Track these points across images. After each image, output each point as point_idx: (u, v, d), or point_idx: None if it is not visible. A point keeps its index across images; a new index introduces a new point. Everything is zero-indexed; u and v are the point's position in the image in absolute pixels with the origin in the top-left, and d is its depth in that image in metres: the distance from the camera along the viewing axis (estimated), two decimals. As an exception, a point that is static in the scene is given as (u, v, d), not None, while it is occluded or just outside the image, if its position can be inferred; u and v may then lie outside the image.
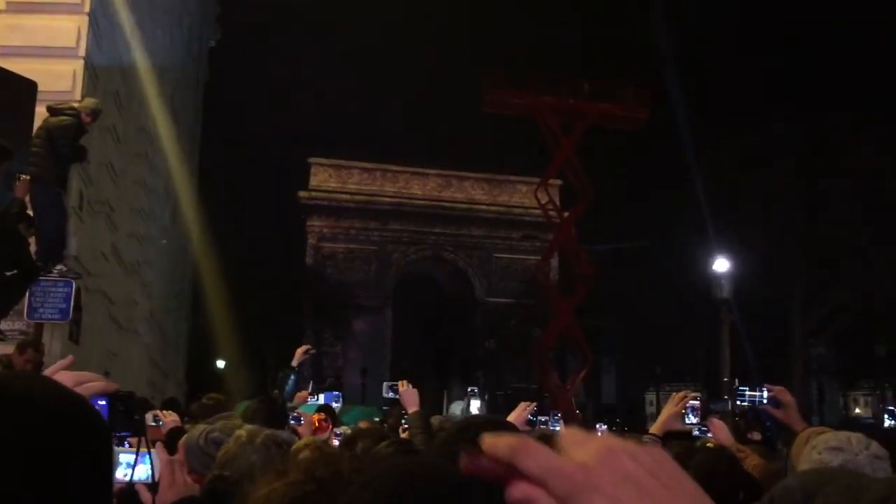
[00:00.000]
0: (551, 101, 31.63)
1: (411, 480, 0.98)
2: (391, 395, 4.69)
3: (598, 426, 15.54)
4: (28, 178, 7.20)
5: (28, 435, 0.93)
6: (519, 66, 33.99)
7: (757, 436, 9.53)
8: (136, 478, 2.17)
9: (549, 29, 55.51)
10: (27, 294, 8.78)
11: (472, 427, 2.02)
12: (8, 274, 7.89)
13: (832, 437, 2.56)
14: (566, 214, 32.53)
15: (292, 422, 4.99)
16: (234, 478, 2.68)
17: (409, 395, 4.50)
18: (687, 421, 4.25)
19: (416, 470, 1.04)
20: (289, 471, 0.99)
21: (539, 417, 9.11)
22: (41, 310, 9.08)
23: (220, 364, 43.15)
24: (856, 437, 2.54)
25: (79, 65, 11.41)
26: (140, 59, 15.58)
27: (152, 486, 2.20)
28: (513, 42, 57.45)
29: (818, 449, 2.58)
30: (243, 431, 3.01)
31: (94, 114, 8.96)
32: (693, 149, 27.65)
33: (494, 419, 2.13)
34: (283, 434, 3.46)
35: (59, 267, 9.23)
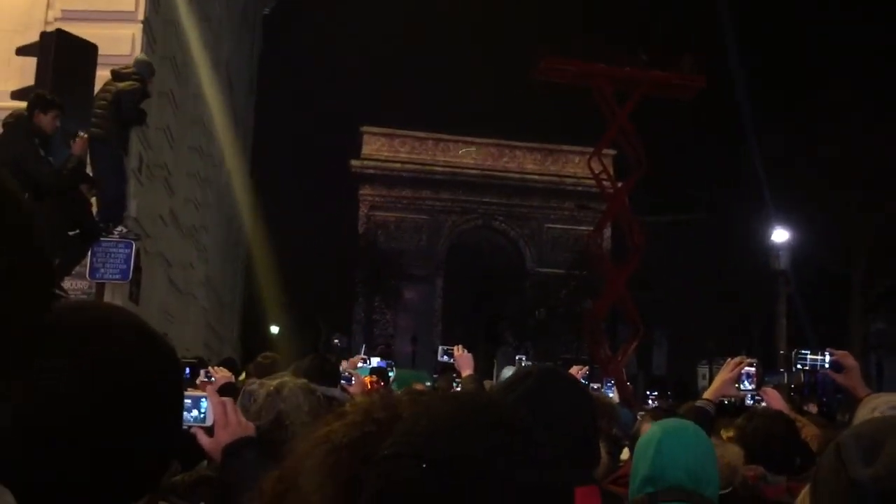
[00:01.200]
0: (605, 68, 31.13)
1: (470, 407, 0.97)
2: (446, 359, 4.71)
3: (648, 394, 15.42)
4: (86, 135, 7.33)
5: (106, 363, 0.95)
6: (572, 33, 33.50)
7: (813, 408, 9.38)
8: (188, 421, 2.23)
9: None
10: (89, 254, 9.00)
11: (530, 375, 2.01)
12: (70, 234, 8.10)
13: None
14: (620, 185, 32.12)
15: (343, 381, 5.04)
16: (266, 426, 2.71)
17: (464, 359, 4.52)
18: (742, 387, 4.18)
19: (474, 399, 1.03)
20: (347, 412, 0.99)
21: (592, 384, 9.09)
22: (102, 270, 9.29)
23: (274, 329, 43.86)
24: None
25: (137, 29, 11.56)
26: (196, 25, 15.73)
27: (208, 430, 2.24)
28: (567, 9, 56.51)
29: (880, 409, 2.51)
30: (272, 382, 3.03)
31: (152, 72, 9.19)
32: (751, 118, 26.99)
33: (554, 369, 2.12)
34: (335, 391, 3.49)
35: (119, 228, 9.44)
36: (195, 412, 2.25)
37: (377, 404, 0.96)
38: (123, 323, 1.02)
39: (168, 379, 1.01)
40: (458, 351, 4.46)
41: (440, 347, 4.77)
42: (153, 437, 0.96)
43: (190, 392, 2.33)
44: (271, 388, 2.92)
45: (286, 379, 3.11)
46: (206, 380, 5.07)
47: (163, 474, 1.01)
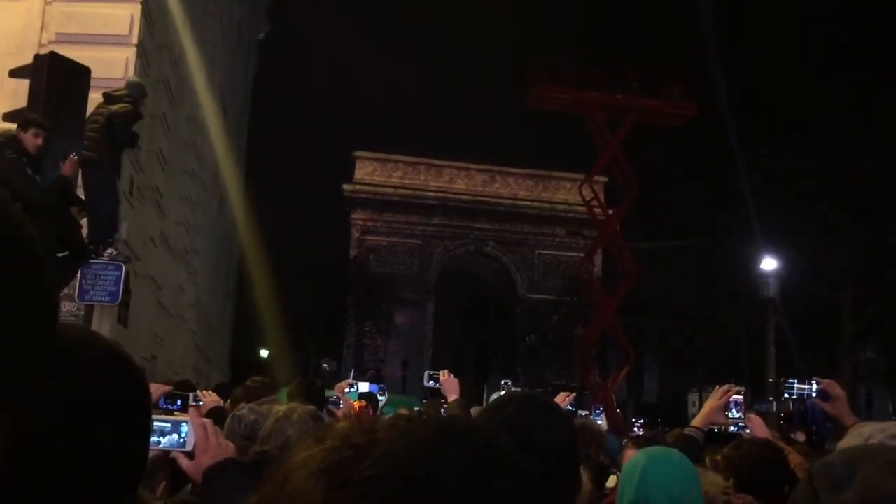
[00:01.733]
0: (597, 96, 31.38)
1: (449, 429, 0.97)
2: (432, 384, 4.70)
3: (634, 421, 15.36)
4: (75, 157, 7.33)
5: (73, 386, 0.95)
6: (565, 61, 33.69)
7: (801, 437, 9.36)
8: (167, 445, 2.23)
9: (596, 24, 55.01)
10: (78, 276, 8.96)
11: (512, 401, 2.01)
12: (59, 255, 8.06)
13: (888, 424, 2.49)
14: (611, 212, 32.25)
15: (331, 406, 5.03)
16: (274, 452, 2.72)
17: (450, 383, 4.51)
18: (730, 415, 4.19)
19: (454, 422, 1.03)
20: (326, 437, 0.98)
21: (580, 411, 9.06)
22: (91, 292, 9.24)
23: (264, 353, 43.66)
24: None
25: (131, 52, 11.61)
26: (191, 48, 15.80)
27: (189, 454, 2.23)
28: (558, 37, 57.07)
29: (876, 437, 2.51)
30: (281, 408, 3.05)
31: (144, 94, 9.23)
32: (739, 146, 27.21)
33: (535, 395, 2.12)
34: (321, 414, 3.49)
35: (109, 250, 9.40)
36: (175, 436, 2.24)
37: (356, 429, 0.95)
38: (92, 344, 1.01)
39: (135, 402, 1.00)
40: (444, 376, 4.45)
41: (426, 373, 4.76)
42: (118, 457, 0.95)
43: (171, 417, 2.32)
44: (280, 413, 2.92)
45: (295, 405, 3.12)
46: (194, 404, 5.04)
47: (130, 494, 1.00)
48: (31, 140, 7.08)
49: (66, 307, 9.60)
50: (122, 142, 9.00)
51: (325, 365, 31.54)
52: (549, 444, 1.88)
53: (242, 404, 3.86)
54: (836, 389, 3.54)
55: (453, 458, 0.88)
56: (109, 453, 0.94)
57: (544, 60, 33.07)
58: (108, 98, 9.06)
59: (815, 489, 1.18)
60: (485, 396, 14.28)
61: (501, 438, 0.95)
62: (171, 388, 2.86)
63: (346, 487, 0.86)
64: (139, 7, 11.82)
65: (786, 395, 3.83)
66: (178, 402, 2.49)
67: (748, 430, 4.46)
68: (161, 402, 2.38)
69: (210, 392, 5.60)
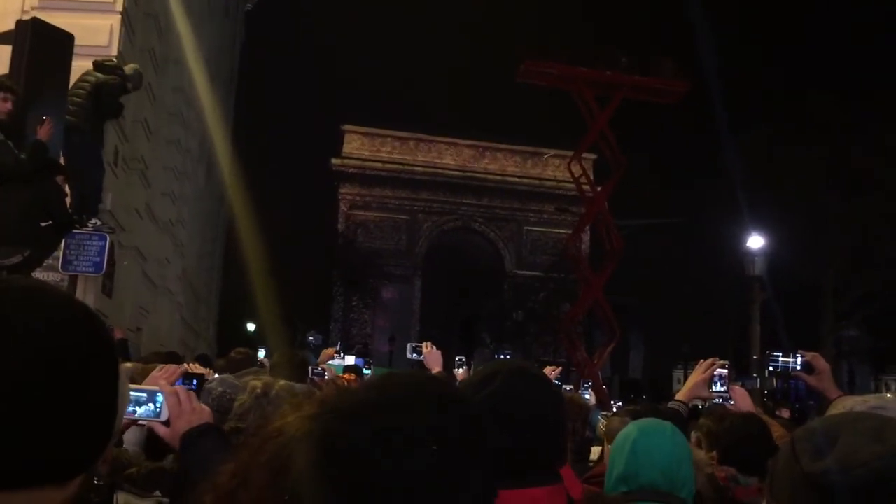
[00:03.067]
0: (586, 72, 31.24)
1: (420, 385, 0.96)
2: (415, 356, 4.68)
3: (613, 403, 15.42)
4: (48, 119, 7.21)
5: (42, 335, 0.92)
6: (554, 37, 33.57)
7: (786, 413, 9.44)
8: (143, 415, 2.23)
9: (587, 2, 54.74)
10: (62, 246, 8.88)
11: (498, 374, 1.98)
12: (42, 224, 7.98)
13: (870, 397, 2.48)
14: (599, 188, 32.24)
15: (315, 377, 5.00)
16: (250, 430, 2.68)
17: (433, 356, 4.49)
18: (714, 389, 4.18)
19: (426, 378, 1.01)
20: (303, 404, 0.96)
21: (566, 386, 9.07)
22: (75, 262, 9.17)
23: (251, 327, 43.62)
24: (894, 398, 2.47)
25: (116, 20, 11.45)
26: (177, 17, 15.59)
27: (165, 423, 2.22)
28: (549, 13, 56.74)
29: (858, 407, 2.51)
30: (258, 382, 3.01)
31: (136, 85, 9.18)
32: (728, 124, 27.18)
33: (522, 367, 2.09)
34: (301, 386, 3.46)
35: (93, 221, 9.33)
36: (150, 406, 2.24)
37: (334, 396, 0.94)
38: (52, 294, 0.97)
39: (97, 358, 0.96)
40: (427, 348, 4.42)
41: (409, 345, 4.74)
42: (77, 415, 0.92)
43: (144, 387, 2.30)
44: (258, 389, 2.89)
45: (271, 379, 3.08)
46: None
47: (95, 457, 0.97)
48: (2, 105, 6.96)
49: (49, 276, 9.52)
50: (108, 112, 8.93)
51: (311, 338, 31.57)
52: (536, 417, 1.86)
53: (213, 376, 3.83)
54: (821, 362, 3.54)
55: (419, 413, 0.88)
56: (68, 408, 0.91)
57: (534, 36, 32.90)
58: (98, 66, 8.95)
59: (797, 455, 1.18)
60: (471, 372, 14.23)
61: (471, 402, 0.94)
62: (186, 367, 2.84)
63: (328, 453, 0.84)
64: (124, -26, 11.66)
65: (770, 368, 3.82)
66: (195, 382, 2.49)
67: (732, 403, 4.47)
68: (179, 382, 2.37)
69: (196, 364, 5.58)
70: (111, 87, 8.73)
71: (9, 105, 7.02)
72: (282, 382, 3.05)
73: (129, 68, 9.39)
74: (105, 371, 0.96)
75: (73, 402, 0.91)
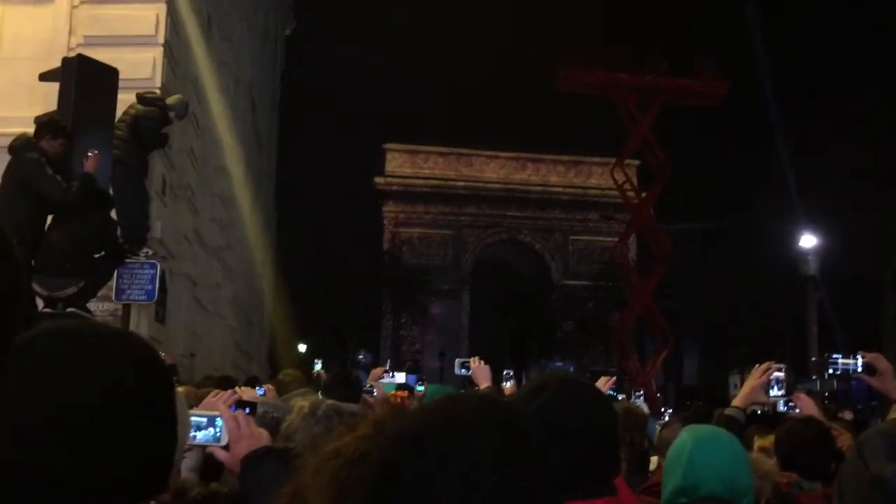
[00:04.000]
0: (626, 78, 31.04)
1: (481, 407, 0.94)
2: (463, 371, 4.65)
3: (663, 411, 15.16)
4: (96, 153, 7.37)
5: (105, 378, 0.95)
6: (593, 46, 33.38)
7: (848, 415, 9.18)
8: (203, 440, 2.27)
9: (623, 5, 54.46)
10: (114, 276, 9.06)
11: (546, 386, 1.95)
12: (95, 256, 8.15)
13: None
14: (644, 194, 31.94)
15: (366, 394, 5.02)
16: (298, 449, 2.69)
17: (481, 371, 4.46)
18: (772, 393, 4.08)
19: (485, 400, 1.00)
20: (359, 425, 0.95)
21: (620, 396, 8.96)
22: (128, 291, 9.34)
23: (302, 348, 44.01)
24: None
25: (158, 52, 11.69)
26: (218, 46, 15.89)
27: (226, 448, 2.26)
28: (586, 20, 56.60)
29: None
30: (305, 403, 3.02)
31: (180, 114, 9.36)
32: (777, 123, 26.74)
33: (571, 378, 2.07)
34: (350, 406, 3.46)
35: (144, 250, 9.51)
36: (210, 430, 2.28)
37: (388, 416, 0.93)
38: (116, 337, 1.02)
39: (156, 397, 1.00)
40: (475, 363, 4.40)
41: (457, 360, 4.72)
42: (135, 450, 0.94)
43: (205, 412, 2.34)
44: (304, 409, 2.90)
45: (318, 399, 3.09)
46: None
47: (161, 485, 0.99)
48: (50, 145, 7.14)
49: (104, 307, 9.72)
50: (149, 143, 9.13)
51: (361, 357, 31.74)
52: (587, 429, 1.84)
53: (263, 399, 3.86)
54: (883, 363, 3.43)
55: (472, 437, 0.87)
56: (123, 446, 0.93)
57: (571, 45, 32.83)
58: (140, 99, 9.17)
59: (866, 459, 1.15)
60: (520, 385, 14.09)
61: (526, 421, 0.93)
62: (239, 395, 2.89)
63: (391, 478, 0.84)
64: (164, 6, 11.89)
65: (830, 371, 3.71)
66: (248, 409, 2.54)
67: (797, 410, 4.35)
68: (233, 409, 2.42)
69: (248, 388, 5.65)
70: (148, 119, 8.93)
71: (59, 145, 7.20)
72: (329, 402, 3.06)
73: (172, 99, 9.58)
74: (165, 403, 0.99)
75: (138, 433, 0.94)
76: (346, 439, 0.93)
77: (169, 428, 1.01)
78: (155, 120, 9.06)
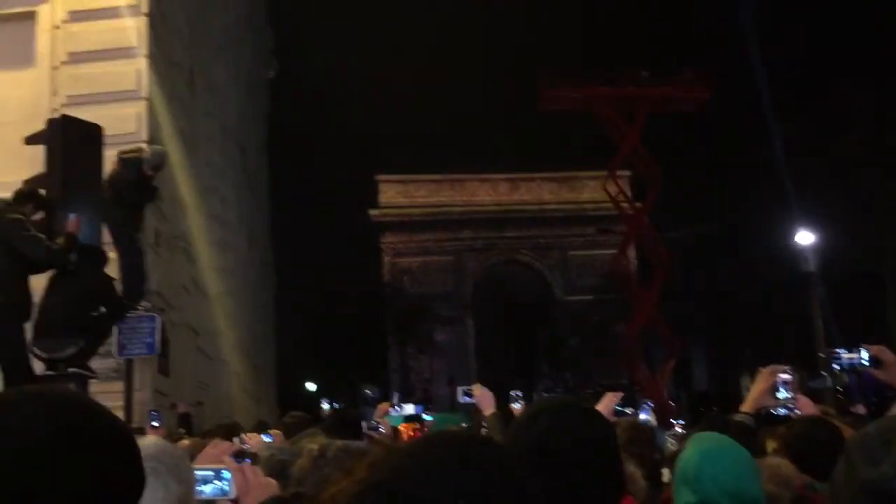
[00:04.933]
0: (608, 91, 31.26)
1: (458, 448, 0.93)
2: (466, 399, 4.62)
3: (672, 421, 15.05)
4: (76, 216, 7.39)
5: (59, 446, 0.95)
6: (573, 59, 33.68)
7: (861, 409, 9.11)
8: (212, 494, 2.23)
9: (600, 19, 54.88)
10: (116, 332, 9.04)
11: (540, 415, 1.93)
12: (95, 314, 8.14)
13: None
14: (638, 204, 32.02)
15: (371, 431, 4.98)
16: (311, 493, 2.67)
17: (484, 397, 4.42)
18: (779, 396, 4.05)
19: (463, 438, 0.99)
20: (356, 469, 0.96)
21: (628, 410, 8.91)
22: (129, 346, 9.31)
23: (311, 387, 43.85)
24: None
25: (142, 106, 11.76)
26: (201, 95, 15.98)
27: (235, 501, 2.24)
28: (564, 38, 57.01)
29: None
30: (314, 445, 3.00)
31: (156, 167, 9.36)
32: (765, 123, 26.84)
33: (565, 405, 2.05)
34: (358, 444, 3.43)
35: (143, 303, 9.51)
36: (218, 483, 2.26)
37: (382, 458, 0.94)
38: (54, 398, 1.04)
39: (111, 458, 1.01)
40: (478, 390, 4.36)
41: (459, 388, 4.67)
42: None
43: (210, 465, 2.32)
44: (314, 452, 2.88)
45: (327, 440, 3.06)
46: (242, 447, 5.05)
47: None
48: (32, 213, 7.17)
49: (106, 364, 9.68)
50: (132, 200, 9.15)
51: (367, 391, 31.56)
52: (586, 453, 1.82)
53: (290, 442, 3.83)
54: (887, 355, 3.42)
55: (444, 478, 0.86)
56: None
57: (550, 63, 33.09)
58: (119, 158, 9.22)
59: (853, 463, 1.14)
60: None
61: (509, 460, 0.93)
62: (237, 446, 2.87)
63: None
64: (145, 61, 11.96)
65: (835, 367, 3.70)
66: (248, 460, 2.52)
67: (798, 412, 4.32)
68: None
69: (254, 434, 5.64)
70: (123, 180, 8.97)
71: (39, 215, 7.22)
72: (338, 443, 3.04)
73: (147, 150, 9.59)
74: (90, 464, 0.99)
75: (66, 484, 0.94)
76: (343, 484, 0.94)
77: (108, 489, 1.01)
78: (130, 178, 9.08)
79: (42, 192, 7.45)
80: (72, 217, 7.28)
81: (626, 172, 37.28)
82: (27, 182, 8.34)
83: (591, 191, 50.23)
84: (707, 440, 2.68)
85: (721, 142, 38.26)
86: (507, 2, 55.70)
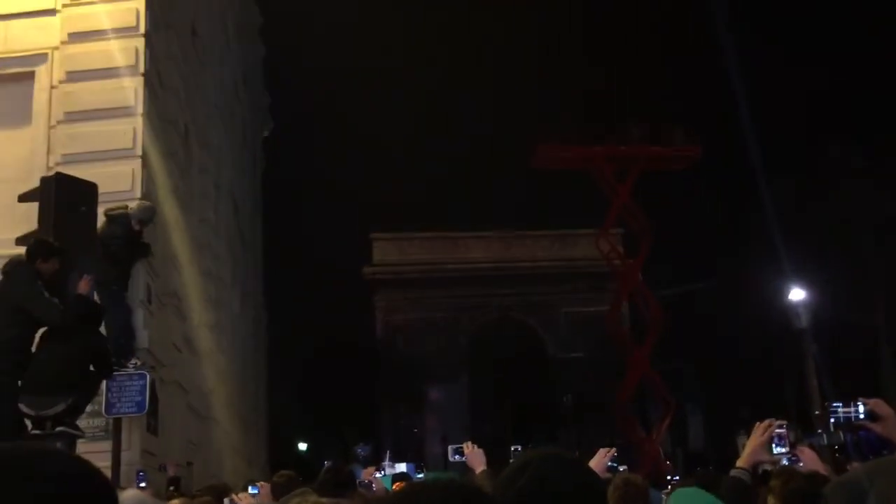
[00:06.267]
0: (601, 150, 31.61)
1: (441, 497, 0.92)
2: (457, 457, 4.61)
3: (669, 479, 14.85)
4: (90, 277, 7.39)
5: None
6: (566, 119, 34.14)
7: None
8: None
9: (593, 80, 55.80)
10: (105, 390, 8.94)
11: (528, 466, 1.91)
12: (85, 372, 8.05)
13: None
14: (630, 262, 32.11)
15: (362, 489, 4.92)
16: None
17: (474, 456, 4.41)
18: (775, 451, 4.02)
19: (448, 488, 0.98)
20: None
21: (621, 467, 8.79)
22: (118, 404, 9.21)
23: (302, 446, 43.26)
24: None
25: (137, 164, 11.83)
26: (196, 152, 16.09)
27: None
28: (558, 98, 57.91)
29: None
30: (308, 502, 2.96)
31: (143, 221, 9.40)
32: (756, 181, 27.13)
33: (558, 454, 2.03)
34: (344, 502, 3.39)
35: (133, 361, 9.42)
36: None
37: None
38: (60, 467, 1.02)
39: None
40: (469, 448, 4.35)
41: (450, 447, 4.67)
42: None
43: None
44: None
45: (310, 498, 3.03)
46: None
47: None
48: (44, 267, 7.10)
49: (94, 423, 9.56)
50: (124, 258, 9.16)
51: (359, 450, 31.17)
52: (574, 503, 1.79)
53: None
54: (884, 408, 3.39)
55: None
56: None
57: (544, 121, 33.52)
58: (106, 216, 9.25)
59: None
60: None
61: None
62: None
63: None
64: (140, 120, 12.07)
65: (832, 420, 3.67)
66: None
67: (801, 465, 4.27)
68: None
69: (245, 495, 5.57)
70: (112, 237, 8.99)
71: (53, 264, 7.19)
72: (324, 501, 2.99)
73: (134, 206, 9.63)
74: None
75: None
76: None
77: None
78: (119, 233, 9.11)
79: (52, 242, 7.39)
80: (85, 277, 7.26)
81: (619, 230, 37.50)
82: (19, 240, 8.34)
83: (584, 247, 50.36)
84: (683, 495, 2.66)
85: (713, 199, 38.55)
86: (500, 61, 56.69)
